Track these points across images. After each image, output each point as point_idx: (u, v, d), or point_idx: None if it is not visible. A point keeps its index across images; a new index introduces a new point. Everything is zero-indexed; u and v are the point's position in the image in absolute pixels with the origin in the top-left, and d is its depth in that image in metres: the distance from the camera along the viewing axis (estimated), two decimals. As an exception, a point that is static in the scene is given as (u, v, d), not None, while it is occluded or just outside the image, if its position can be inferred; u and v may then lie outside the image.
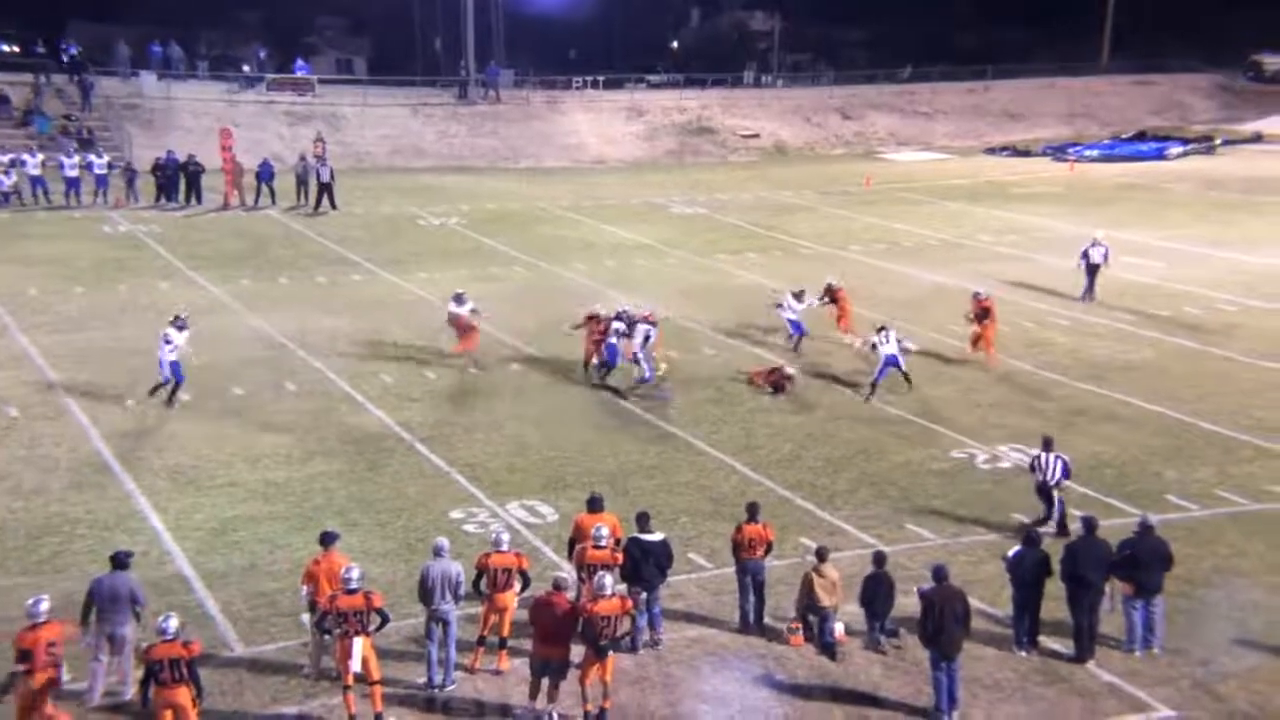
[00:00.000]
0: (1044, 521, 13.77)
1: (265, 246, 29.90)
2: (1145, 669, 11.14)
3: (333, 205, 34.15)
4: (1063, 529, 13.58)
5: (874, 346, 18.49)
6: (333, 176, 34.48)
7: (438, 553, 11.01)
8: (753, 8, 67.52)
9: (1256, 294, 24.74)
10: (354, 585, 10.24)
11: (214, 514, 14.48)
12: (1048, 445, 13.97)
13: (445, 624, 10.83)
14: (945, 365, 20.34)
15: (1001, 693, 10.80)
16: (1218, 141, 46.52)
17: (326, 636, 10.54)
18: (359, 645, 10.15)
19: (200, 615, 12.04)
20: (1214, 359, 20.57)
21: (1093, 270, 24.27)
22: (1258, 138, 48.03)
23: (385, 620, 10.40)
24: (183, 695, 9.59)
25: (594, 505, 11.88)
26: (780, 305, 20.98)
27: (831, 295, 21.35)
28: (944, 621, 10.39)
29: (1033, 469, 13.97)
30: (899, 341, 18.43)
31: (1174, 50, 56.01)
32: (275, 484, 15.40)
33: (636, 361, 18.63)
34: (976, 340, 20.22)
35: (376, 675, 10.35)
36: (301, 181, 34.60)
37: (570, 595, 10.61)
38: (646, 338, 18.64)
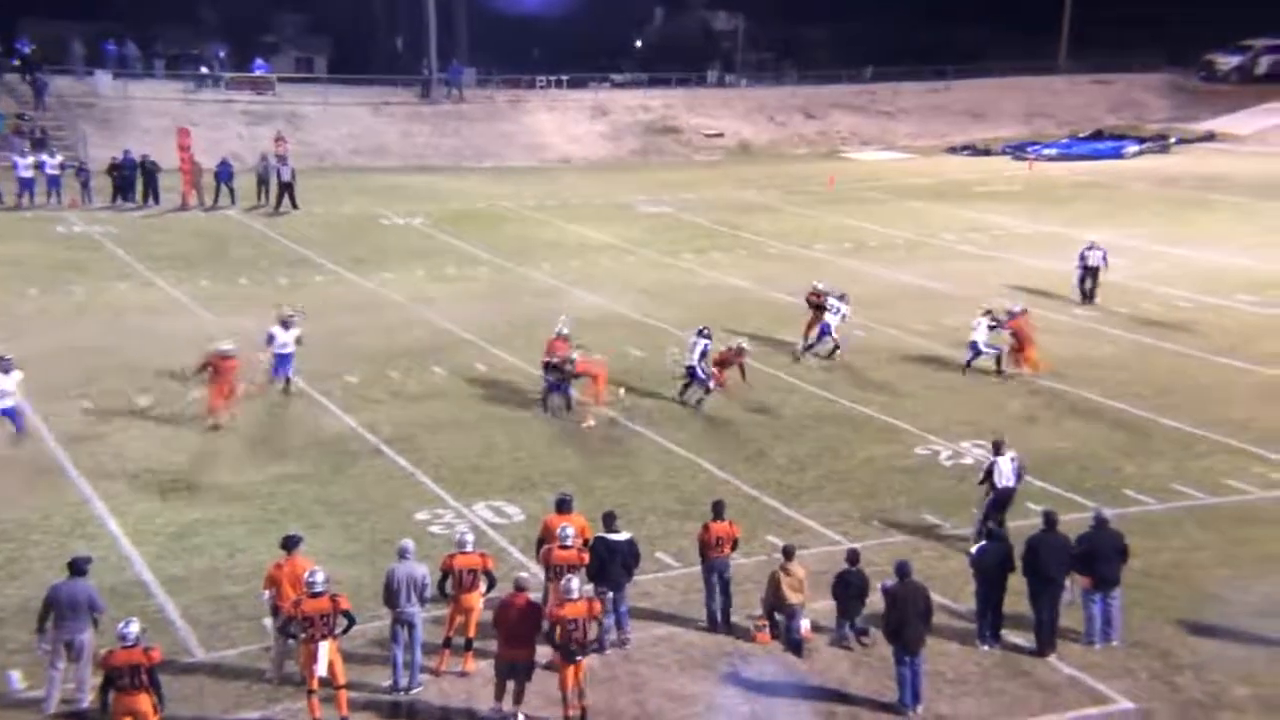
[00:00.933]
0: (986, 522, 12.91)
1: (225, 247, 29.50)
2: (1104, 661, 11.24)
3: (294, 205, 33.76)
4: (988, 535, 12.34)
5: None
6: (294, 176, 34.07)
7: (403, 555, 10.90)
8: (716, 7, 67.62)
9: (1211, 290, 25.12)
10: (319, 589, 10.11)
11: (174, 518, 14.25)
12: (998, 448, 13.42)
13: (410, 626, 10.72)
14: (908, 363, 20.46)
15: (964, 686, 10.87)
16: (1172, 140, 47.23)
17: (291, 641, 10.39)
18: (325, 649, 10.03)
19: (160, 621, 11.84)
20: (1171, 355, 20.86)
21: (1091, 273, 23.96)
22: (1211, 136, 48.82)
23: (351, 623, 10.29)
24: (143, 702, 9.43)
25: (562, 506, 11.82)
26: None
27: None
28: (906, 617, 10.46)
29: (988, 475, 13.19)
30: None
31: (1130, 50, 56.81)
32: (237, 487, 15.18)
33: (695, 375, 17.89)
34: (1019, 360, 19.27)
35: (342, 680, 10.24)
36: (262, 181, 34.17)
37: (534, 596, 10.54)
38: (703, 352, 17.85)
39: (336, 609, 10.08)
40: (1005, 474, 13.19)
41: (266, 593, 10.92)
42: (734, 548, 11.83)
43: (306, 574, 10.26)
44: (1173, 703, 10.63)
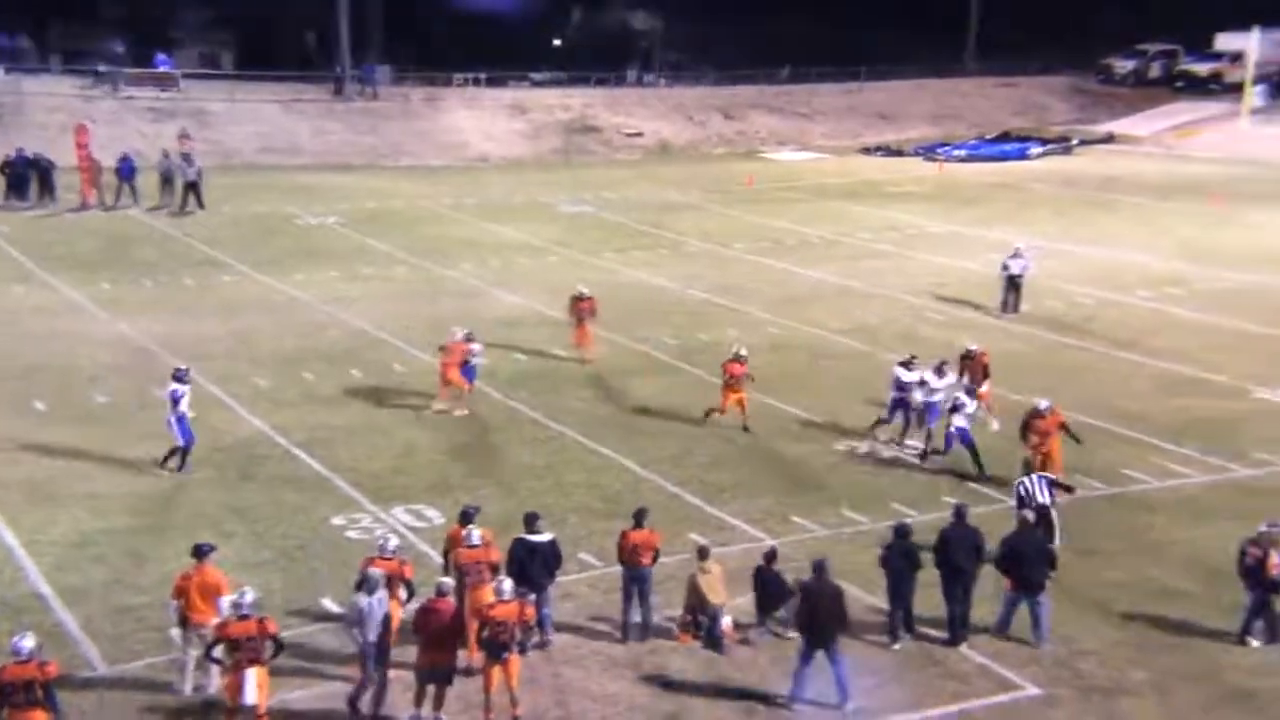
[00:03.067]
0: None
1: (127, 248, 28.53)
2: (1012, 650, 11.45)
3: (200, 204, 32.78)
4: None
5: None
6: (200, 175, 33.09)
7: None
8: (634, 7, 67.74)
9: (1109, 286, 25.93)
10: (245, 610, 9.63)
11: (73, 527, 13.68)
12: (1029, 468, 13.45)
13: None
14: (826, 360, 20.70)
15: (879, 678, 11.00)
16: (1074, 142, 48.75)
17: (216, 665, 9.89)
18: (252, 677, 9.54)
19: (59, 634, 11.34)
20: (1074, 350, 21.46)
21: (1013, 282, 23.20)
22: (1110, 138, 50.48)
23: (280, 647, 9.80)
24: (38, 719, 8.98)
25: (466, 519, 11.42)
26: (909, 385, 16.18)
27: (970, 361, 17.28)
28: (818, 613, 10.50)
29: (1020, 499, 12.82)
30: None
31: (1034, 53, 58.50)
32: (141, 494, 14.64)
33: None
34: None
35: (263, 706, 9.74)
36: (166, 179, 33.12)
37: (455, 601, 10.36)
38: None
39: (264, 633, 9.62)
40: (1037, 490, 12.88)
41: (174, 603, 10.52)
42: (655, 559, 11.67)
43: (236, 594, 9.82)
44: (1076, 688, 10.89)
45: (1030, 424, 14.80)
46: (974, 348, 17.64)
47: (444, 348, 17.91)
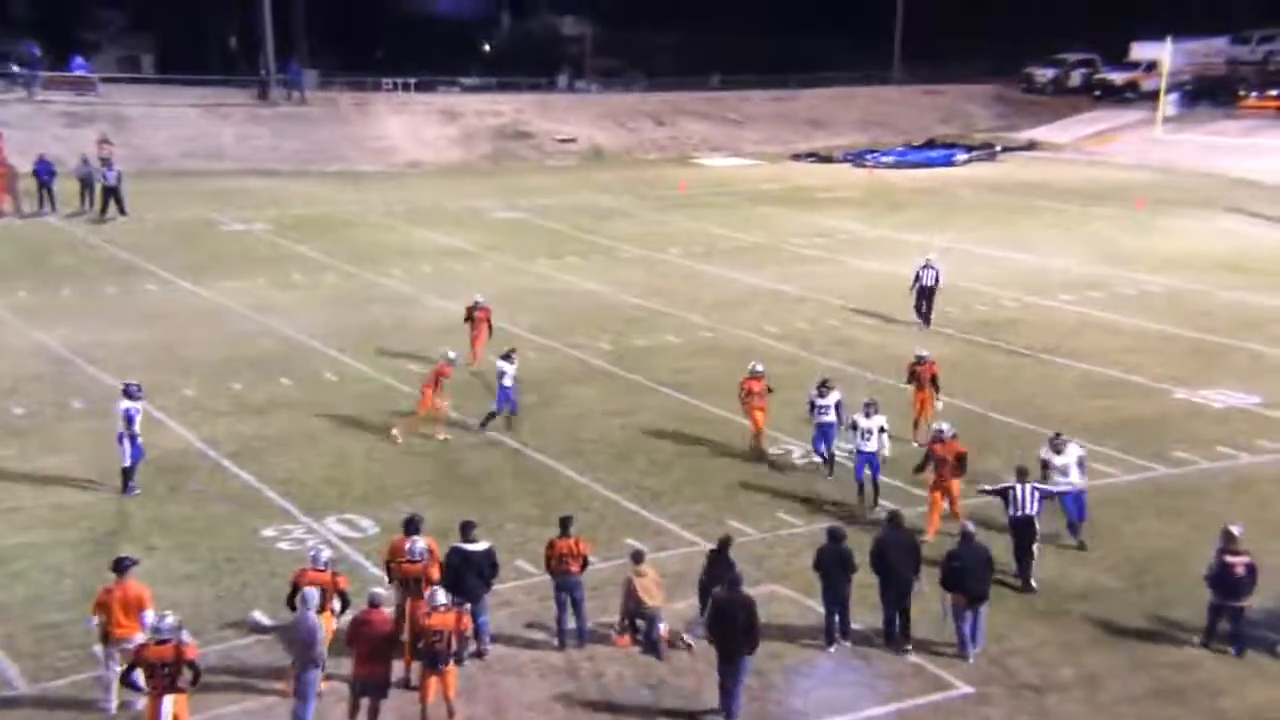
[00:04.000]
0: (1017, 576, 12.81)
1: (44, 255, 27.66)
2: (945, 649, 11.61)
3: (121, 210, 31.91)
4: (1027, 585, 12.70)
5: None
6: (120, 180, 32.21)
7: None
8: (563, 12, 67.71)
9: (1033, 291, 26.56)
10: (165, 635, 9.25)
11: (-9, 545, 13.20)
12: (1023, 476, 12.96)
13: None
14: (762, 365, 20.80)
15: (813, 680, 11.10)
16: (998, 149, 49.93)
17: (133, 690, 9.51)
18: (169, 706, 9.21)
19: (-24, 656, 10.93)
20: (1002, 354, 21.92)
21: (926, 294, 22.83)
22: (1032, 145, 51.80)
23: (198, 675, 9.40)
24: None
25: (410, 527, 11.37)
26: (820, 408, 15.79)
27: (920, 368, 17.05)
28: (727, 626, 10.33)
29: (1006, 501, 12.82)
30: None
31: (959, 61, 59.84)
32: (63, 508, 14.19)
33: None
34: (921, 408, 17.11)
35: None
36: (85, 185, 32.19)
37: (389, 612, 10.21)
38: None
39: (181, 659, 9.21)
40: (1025, 501, 12.80)
41: (95, 618, 10.21)
42: (584, 566, 11.56)
43: (155, 618, 9.48)
44: (1007, 686, 11.10)
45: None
46: (924, 354, 17.45)
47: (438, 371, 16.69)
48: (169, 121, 42.87)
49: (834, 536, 11.73)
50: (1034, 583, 12.80)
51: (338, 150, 43.91)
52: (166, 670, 9.17)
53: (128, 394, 14.72)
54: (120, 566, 10.37)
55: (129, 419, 14.47)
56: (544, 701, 10.67)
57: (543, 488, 15.27)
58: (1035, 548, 12.88)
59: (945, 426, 14.22)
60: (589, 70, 60.62)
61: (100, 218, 31.58)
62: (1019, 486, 12.86)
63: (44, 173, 32.12)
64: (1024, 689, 11.07)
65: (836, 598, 11.60)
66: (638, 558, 11.62)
